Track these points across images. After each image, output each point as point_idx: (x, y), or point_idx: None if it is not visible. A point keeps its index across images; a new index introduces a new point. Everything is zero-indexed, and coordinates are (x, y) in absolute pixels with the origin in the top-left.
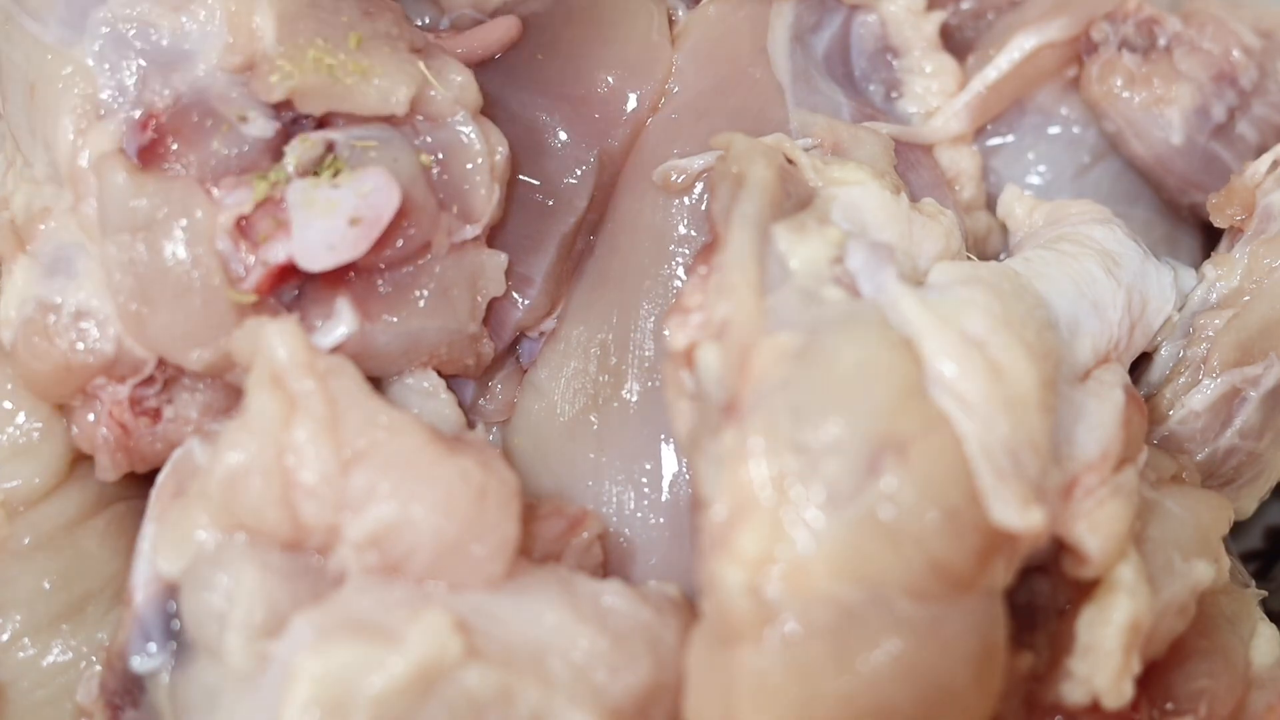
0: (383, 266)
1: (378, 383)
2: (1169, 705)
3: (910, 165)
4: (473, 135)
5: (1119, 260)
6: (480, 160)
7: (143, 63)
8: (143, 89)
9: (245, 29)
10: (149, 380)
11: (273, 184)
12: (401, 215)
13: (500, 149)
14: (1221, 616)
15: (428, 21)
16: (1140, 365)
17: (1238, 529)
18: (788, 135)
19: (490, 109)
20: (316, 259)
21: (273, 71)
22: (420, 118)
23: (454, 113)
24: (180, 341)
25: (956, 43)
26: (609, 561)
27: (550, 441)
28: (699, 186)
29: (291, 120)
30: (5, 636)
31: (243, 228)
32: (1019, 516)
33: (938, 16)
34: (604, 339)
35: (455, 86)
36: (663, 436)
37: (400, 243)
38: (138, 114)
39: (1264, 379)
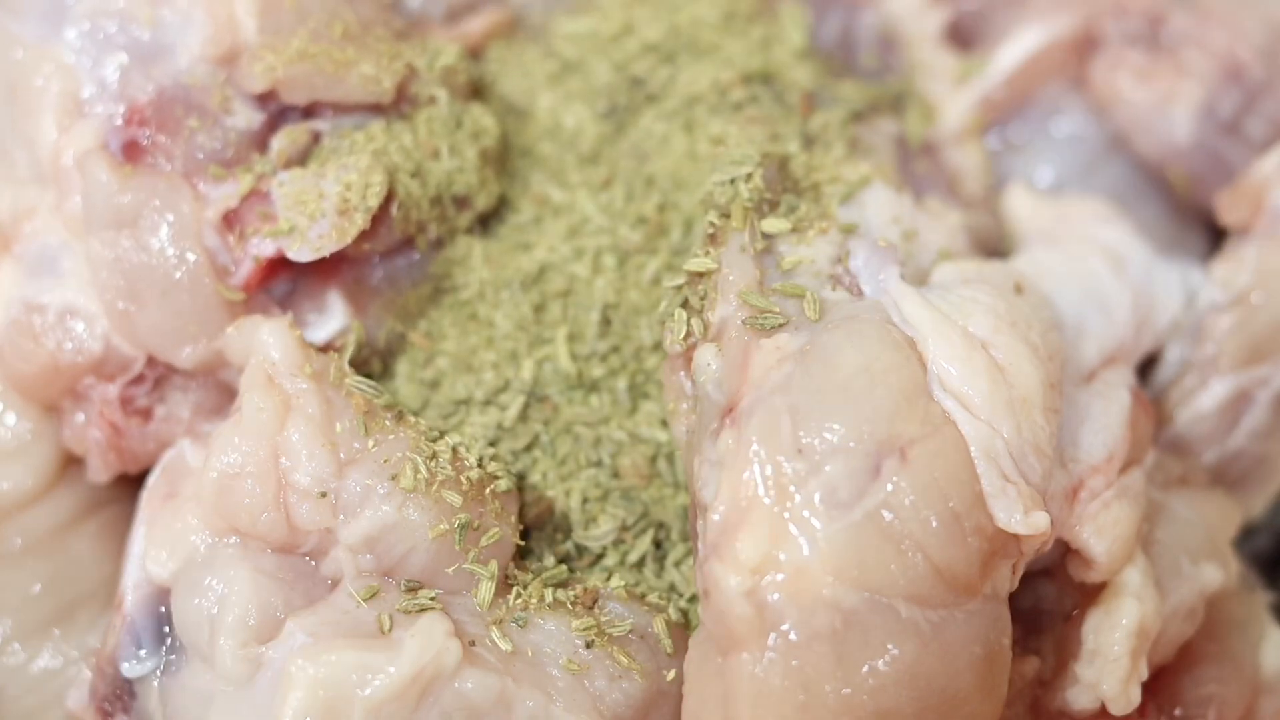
0: (375, 257)
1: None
2: (1177, 711)
3: (914, 163)
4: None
5: (1126, 260)
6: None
7: (124, 57)
8: (124, 84)
9: (226, 19)
10: (139, 379)
11: (259, 176)
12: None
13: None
14: (1230, 621)
15: (425, 11)
16: (1148, 366)
17: (1246, 532)
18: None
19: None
20: (305, 250)
21: (256, 62)
22: (407, 105)
23: (440, 98)
24: (169, 338)
25: (961, 39)
26: None
27: None
28: None
29: (277, 111)
30: None
31: (230, 221)
32: (1023, 520)
33: (941, 12)
34: None
35: (441, 72)
36: None
37: (390, 231)
38: (120, 109)
39: (1273, 379)
